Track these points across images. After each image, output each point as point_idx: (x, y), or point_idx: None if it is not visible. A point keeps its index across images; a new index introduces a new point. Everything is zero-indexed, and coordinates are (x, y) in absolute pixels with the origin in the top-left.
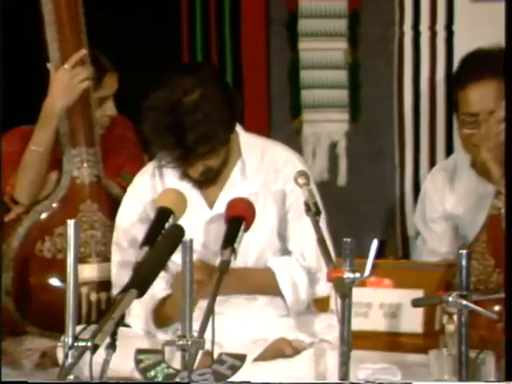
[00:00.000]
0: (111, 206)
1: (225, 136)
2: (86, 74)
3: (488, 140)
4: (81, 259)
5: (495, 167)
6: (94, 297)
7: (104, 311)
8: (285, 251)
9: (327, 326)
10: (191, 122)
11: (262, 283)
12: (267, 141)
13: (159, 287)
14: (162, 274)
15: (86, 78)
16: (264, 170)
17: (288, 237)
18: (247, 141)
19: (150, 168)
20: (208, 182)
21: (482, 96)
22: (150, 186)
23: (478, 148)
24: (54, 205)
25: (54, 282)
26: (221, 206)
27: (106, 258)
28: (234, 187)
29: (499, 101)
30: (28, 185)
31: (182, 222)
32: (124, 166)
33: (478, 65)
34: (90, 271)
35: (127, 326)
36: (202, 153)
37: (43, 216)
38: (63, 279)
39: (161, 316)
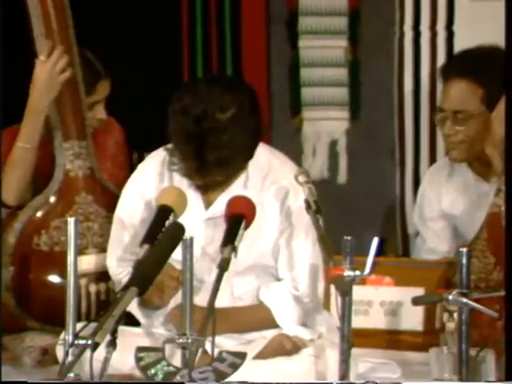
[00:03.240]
0: (107, 197)
1: (243, 163)
2: (63, 64)
3: (492, 136)
4: (78, 251)
5: (498, 161)
6: (93, 288)
7: (103, 302)
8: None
9: (323, 322)
10: (215, 143)
11: (258, 321)
12: (277, 158)
13: None
14: None
15: (65, 67)
16: (265, 188)
17: (279, 261)
18: (257, 154)
19: (158, 159)
20: (209, 187)
21: (454, 94)
22: (157, 176)
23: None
24: (49, 198)
25: (53, 275)
26: (216, 208)
27: (103, 249)
28: (234, 194)
29: (469, 104)
30: (15, 184)
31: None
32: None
33: (466, 63)
34: (87, 263)
35: (128, 324)
36: (217, 174)
37: (39, 210)
38: (61, 272)
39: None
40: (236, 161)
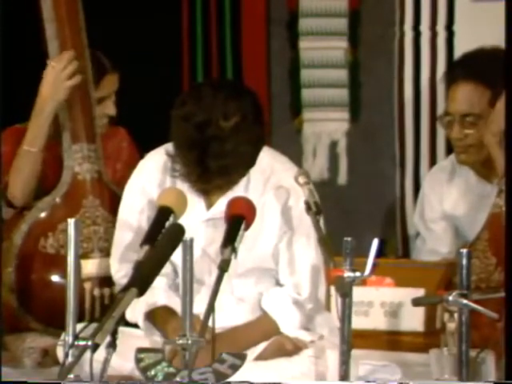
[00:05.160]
0: (113, 201)
1: (245, 171)
2: (72, 69)
3: (491, 125)
4: (83, 255)
5: (497, 153)
6: (96, 292)
7: (107, 307)
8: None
9: (324, 323)
10: (218, 151)
11: (263, 334)
12: (279, 161)
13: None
14: (163, 280)
15: (73, 73)
16: (266, 191)
17: (280, 265)
18: (259, 158)
19: (159, 162)
20: (210, 189)
21: (462, 97)
22: (158, 176)
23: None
24: (57, 201)
25: (58, 278)
26: (217, 209)
27: (108, 253)
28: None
29: (477, 106)
30: (21, 186)
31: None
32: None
33: (473, 65)
34: (92, 267)
35: (128, 324)
36: (218, 181)
37: (46, 212)
38: (66, 275)
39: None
40: (238, 169)
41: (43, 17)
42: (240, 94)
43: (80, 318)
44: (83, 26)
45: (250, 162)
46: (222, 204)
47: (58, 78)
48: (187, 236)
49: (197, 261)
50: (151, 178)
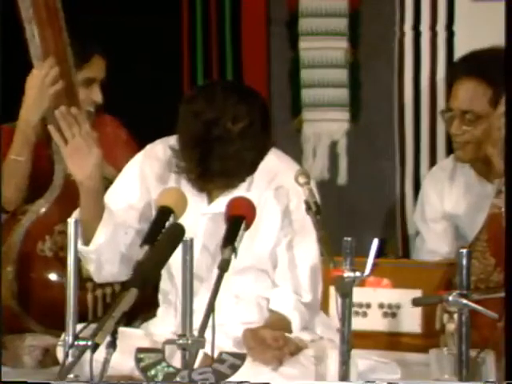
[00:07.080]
0: None
1: (245, 176)
2: (54, 74)
3: (492, 135)
4: None
5: (498, 161)
6: (99, 292)
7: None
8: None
9: (320, 323)
10: (222, 153)
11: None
12: (283, 161)
13: None
14: None
15: (56, 79)
16: (268, 191)
17: (280, 266)
18: (266, 159)
19: (161, 148)
20: (209, 188)
21: (464, 93)
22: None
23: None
24: (51, 203)
25: (57, 281)
26: (218, 205)
27: None
28: (236, 194)
29: (477, 104)
30: (11, 193)
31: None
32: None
33: (478, 63)
34: None
35: (128, 325)
36: (218, 182)
37: (41, 215)
38: (66, 277)
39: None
40: (239, 173)
41: (22, 17)
42: (251, 99)
43: (83, 319)
44: (63, 26)
45: (251, 168)
46: (223, 200)
47: (41, 84)
48: (187, 228)
49: (196, 254)
50: (154, 164)
